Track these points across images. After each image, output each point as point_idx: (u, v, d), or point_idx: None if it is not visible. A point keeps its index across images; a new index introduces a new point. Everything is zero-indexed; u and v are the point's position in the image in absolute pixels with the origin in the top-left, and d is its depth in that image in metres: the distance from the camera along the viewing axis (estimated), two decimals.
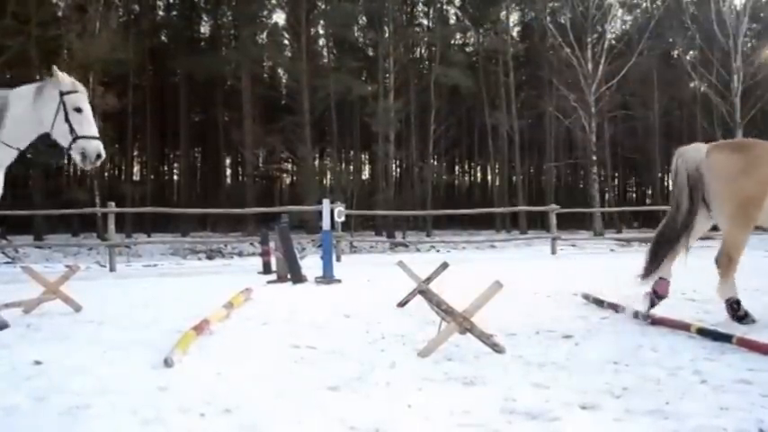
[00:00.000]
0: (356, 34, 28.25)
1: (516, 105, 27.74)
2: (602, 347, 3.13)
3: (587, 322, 3.92)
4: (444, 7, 30.61)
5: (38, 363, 2.84)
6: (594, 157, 22.94)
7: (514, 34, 30.95)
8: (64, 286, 4.67)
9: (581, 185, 31.54)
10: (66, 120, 3.60)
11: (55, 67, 3.71)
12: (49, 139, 3.69)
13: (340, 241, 11.49)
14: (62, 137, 3.64)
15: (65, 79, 3.67)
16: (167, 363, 2.74)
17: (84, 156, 3.63)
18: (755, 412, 2.08)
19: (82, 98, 3.69)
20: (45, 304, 4.61)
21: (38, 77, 17.80)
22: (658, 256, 3.85)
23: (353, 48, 28.09)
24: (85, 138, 3.63)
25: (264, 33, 27.74)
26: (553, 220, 12.47)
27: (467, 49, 31.16)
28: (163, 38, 29.28)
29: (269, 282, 6.90)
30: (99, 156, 3.67)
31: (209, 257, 15.36)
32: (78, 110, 3.64)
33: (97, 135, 3.68)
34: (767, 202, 3.65)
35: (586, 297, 4.82)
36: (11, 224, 16.38)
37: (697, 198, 3.73)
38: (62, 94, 3.62)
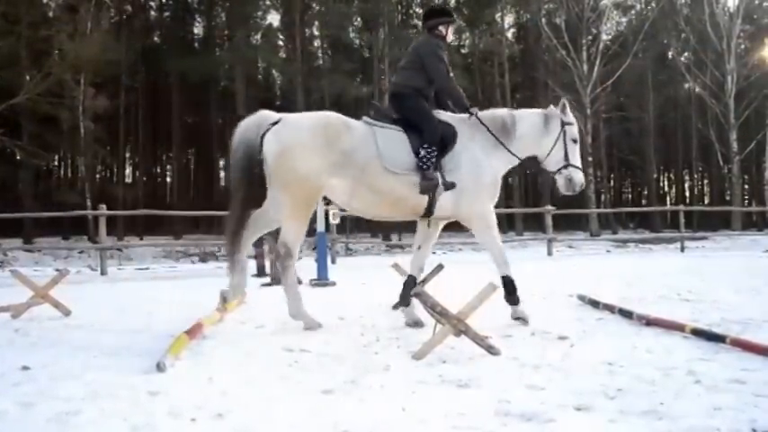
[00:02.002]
0: (351, 35, 28.23)
1: (512, 106, 27.79)
2: (597, 348, 3.12)
3: (583, 323, 3.91)
4: None
5: (26, 368, 2.81)
6: (590, 159, 23.00)
7: (510, 36, 31.04)
8: (53, 290, 4.62)
9: None
10: (564, 148, 4.04)
11: (565, 100, 4.16)
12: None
13: (335, 243, 11.46)
14: (553, 163, 4.10)
15: (568, 112, 4.12)
16: (159, 367, 2.72)
17: (569, 182, 4.06)
18: (749, 412, 2.08)
19: (577, 131, 4.14)
20: (34, 309, 4.56)
21: (28, 78, 17.70)
22: None
23: (348, 49, 28.06)
24: (575, 167, 4.07)
25: (259, 34, 27.65)
26: (549, 222, 12.49)
27: (462, 51, 31.20)
28: (155, 39, 29.13)
29: (263, 285, 6.86)
30: (582, 185, 4.11)
31: (203, 260, 15.28)
32: (575, 141, 4.10)
33: (581, 167, 4.13)
34: None
35: (582, 298, 4.82)
36: None
37: None
38: (563, 124, 4.06)
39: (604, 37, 24.81)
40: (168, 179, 31.85)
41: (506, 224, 27.34)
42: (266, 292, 6.25)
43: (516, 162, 4.12)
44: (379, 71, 24.77)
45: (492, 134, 3.98)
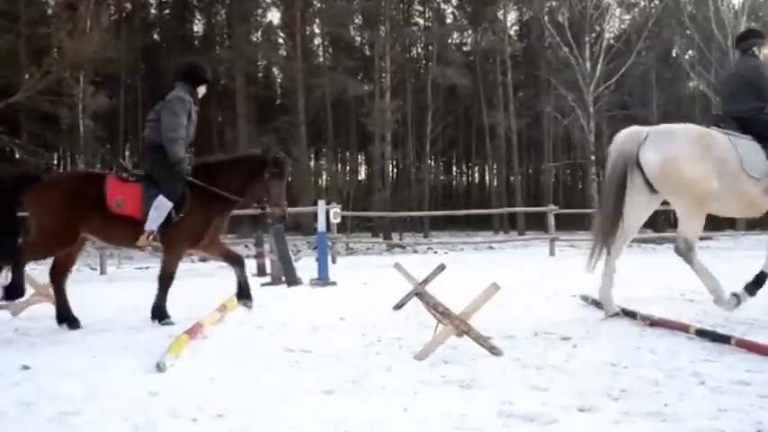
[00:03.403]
0: (352, 33, 28.16)
1: (514, 105, 27.71)
2: (600, 349, 3.11)
3: (586, 324, 3.89)
4: (441, 6, 30.58)
5: (26, 368, 2.80)
6: (593, 157, 22.91)
7: (512, 33, 30.95)
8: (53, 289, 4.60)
9: (580, 186, 31.55)
10: None
11: None
12: None
13: (335, 243, 11.44)
14: None
15: None
16: (159, 367, 2.71)
17: None
18: (754, 413, 2.07)
19: None
20: (34, 307, 4.56)
21: (27, 77, 17.64)
22: None
23: (349, 47, 27.99)
24: None
25: (259, 32, 27.59)
26: (551, 221, 12.45)
27: (464, 49, 31.08)
28: (155, 36, 29.10)
29: (263, 284, 6.83)
30: None
31: (203, 259, 15.25)
32: None
33: None
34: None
35: (585, 299, 4.80)
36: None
37: None
38: None
39: (608, 35, 24.69)
40: None
41: (508, 223, 27.33)
42: (266, 291, 6.24)
43: None
44: (381, 69, 24.70)
45: None
